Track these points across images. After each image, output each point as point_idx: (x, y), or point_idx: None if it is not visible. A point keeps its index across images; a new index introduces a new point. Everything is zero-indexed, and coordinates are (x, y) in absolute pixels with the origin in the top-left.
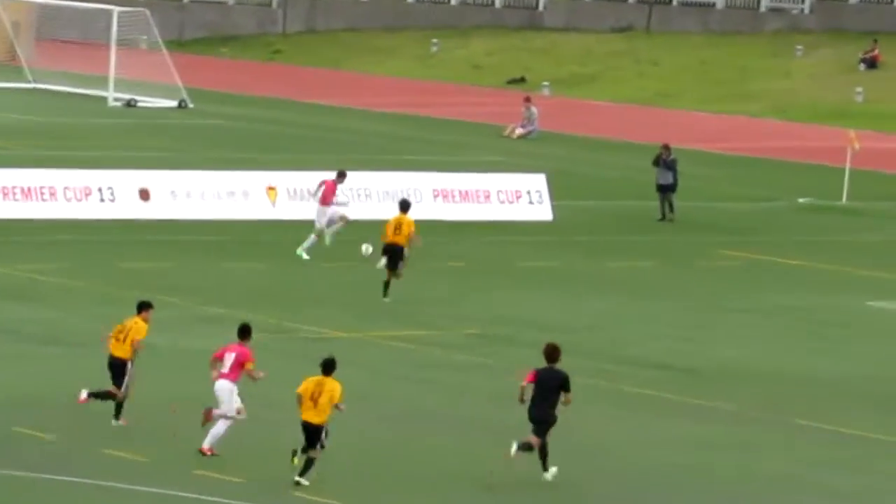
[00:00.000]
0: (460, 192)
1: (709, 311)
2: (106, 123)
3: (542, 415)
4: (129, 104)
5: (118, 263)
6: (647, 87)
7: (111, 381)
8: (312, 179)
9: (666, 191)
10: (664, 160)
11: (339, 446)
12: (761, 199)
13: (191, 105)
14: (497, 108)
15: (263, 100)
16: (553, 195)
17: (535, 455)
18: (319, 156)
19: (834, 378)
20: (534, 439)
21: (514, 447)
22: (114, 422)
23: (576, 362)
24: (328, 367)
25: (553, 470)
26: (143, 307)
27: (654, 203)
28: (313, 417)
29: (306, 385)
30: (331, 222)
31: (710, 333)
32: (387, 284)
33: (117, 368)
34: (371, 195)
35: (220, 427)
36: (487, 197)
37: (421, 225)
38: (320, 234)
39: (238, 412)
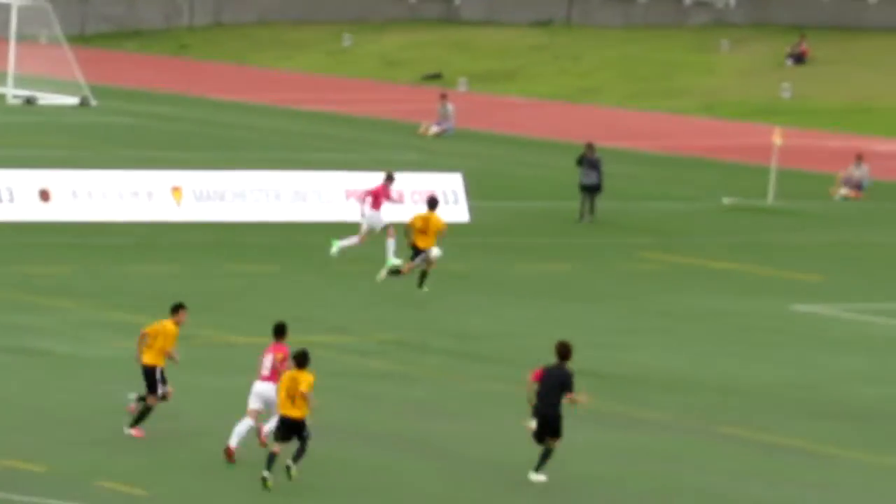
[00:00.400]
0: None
1: (630, 315)
2: (4, 121)
3: (544, 411)
4: (29, 101)
5: (17, 267)
6: (568, 83)
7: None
8: (219, 179)
9: (590, 191)
10: (588, 159)
11: (240, 460)
12: (685, 199)
13: (93, 102)
14: (412, 104)
15: (169, 96)
16: (469, 195)
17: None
18: (227, 154)
19: (758, 385)
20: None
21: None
22: (126, 430)
23: (493, 370)
24: (302, 360)
25: (540, 477)
26: (175, 309)
27: (576, 204)
28: (291, 412)
29: (283, 382)
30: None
31: (631, 339)
32: (424, 274)
33: (148, 376)
34: (281, 196)
35: (270, 424)
36: (401, 197)
37: (332, 227)
38: (368, 235)
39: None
